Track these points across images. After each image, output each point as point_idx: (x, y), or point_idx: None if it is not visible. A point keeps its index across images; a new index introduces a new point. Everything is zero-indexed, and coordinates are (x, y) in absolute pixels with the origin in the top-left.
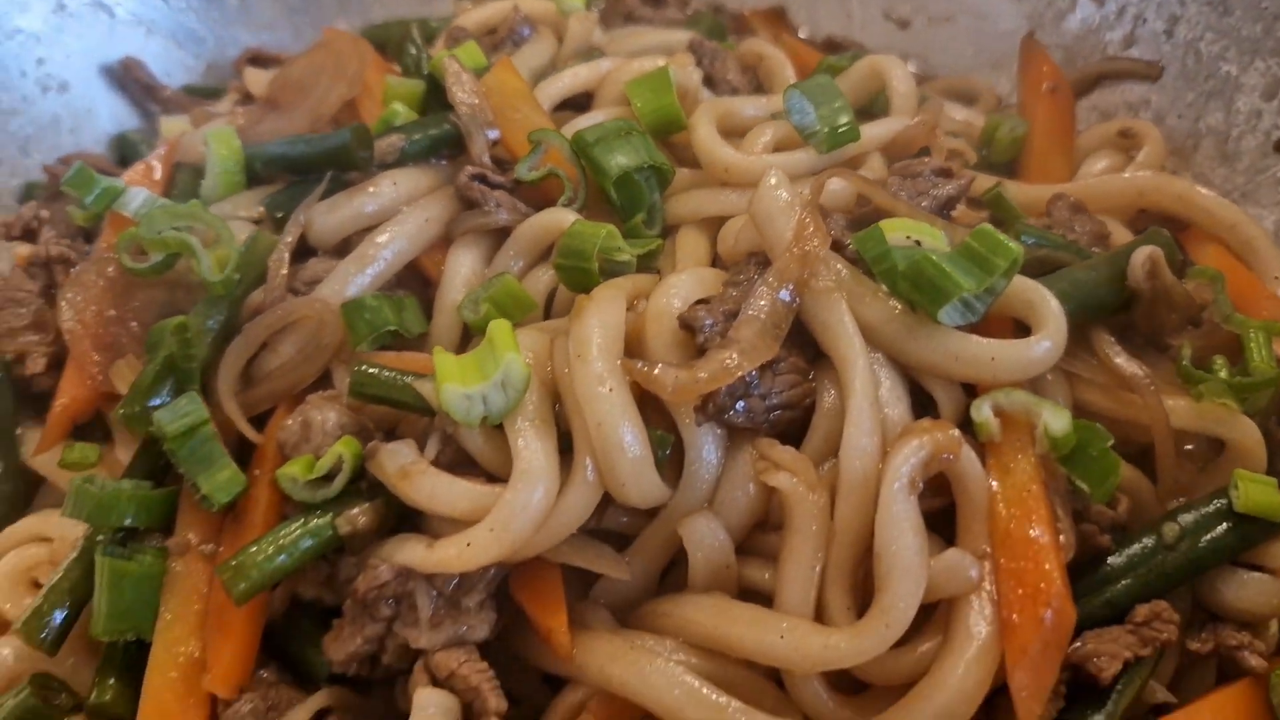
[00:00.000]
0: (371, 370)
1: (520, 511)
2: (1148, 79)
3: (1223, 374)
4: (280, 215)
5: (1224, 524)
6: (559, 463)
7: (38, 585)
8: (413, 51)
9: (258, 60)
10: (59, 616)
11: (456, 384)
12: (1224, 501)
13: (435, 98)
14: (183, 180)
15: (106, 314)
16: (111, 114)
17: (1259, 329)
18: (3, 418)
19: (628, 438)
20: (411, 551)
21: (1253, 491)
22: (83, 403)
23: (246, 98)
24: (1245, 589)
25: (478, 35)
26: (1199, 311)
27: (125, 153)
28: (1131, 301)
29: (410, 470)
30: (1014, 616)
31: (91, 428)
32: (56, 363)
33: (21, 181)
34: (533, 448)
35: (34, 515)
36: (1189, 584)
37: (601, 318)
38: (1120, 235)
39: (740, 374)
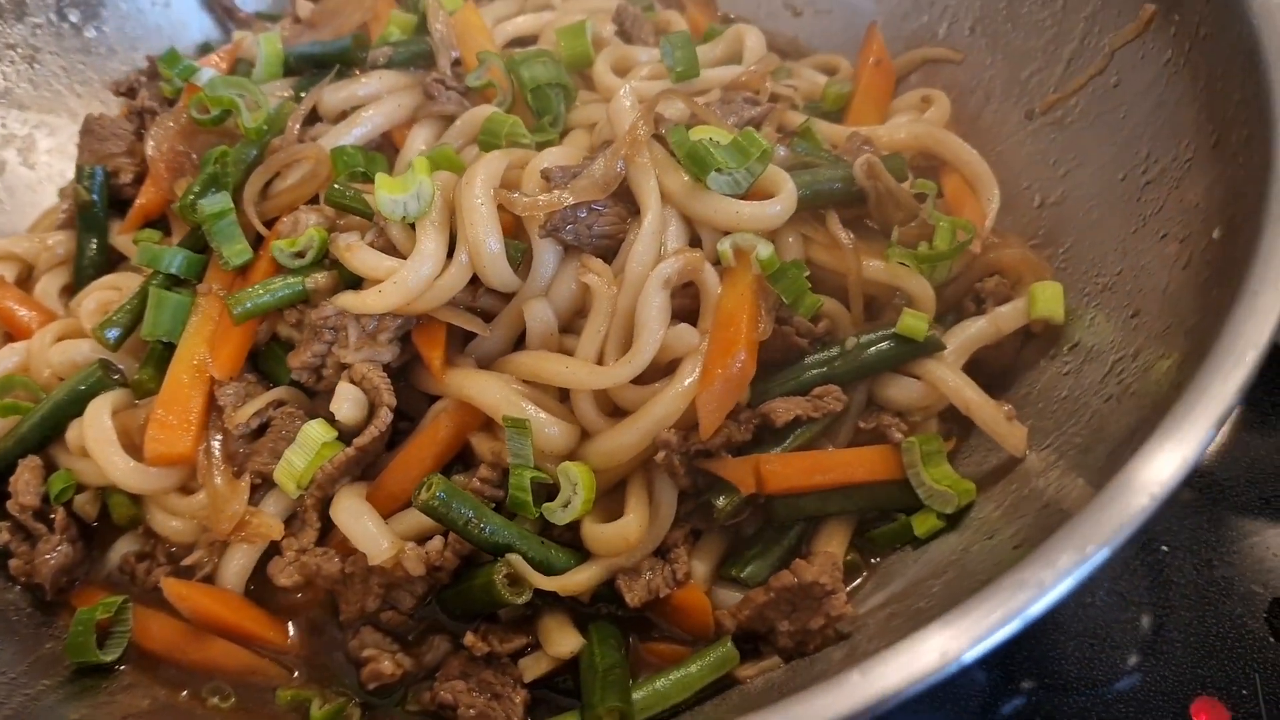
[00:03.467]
0: (340, 188)
1: (414, 275)
2: (953, 62)
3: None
4: (302, 94)
5: (888, 342)
6: (445, 253)
7: None
8: None
9: None
10: (120, 326)
11: (388, 192)
12: (892, 328)
13: (423, 28)
14: (241, 69)
15: (177, 148)
16: (200, 27)
17: (948, 222)
18: (101, 210)
19: (490, 237)
20: (346, 298)
21: (908, 320)
22: (155, 203)
23: (296, 20)
24: (900, 388)
25: None
26: (917, 211)
27: (204, 54)
28: (867, 198)
29: (353, 246)
30: (711, 366)
31: (156, 225)
32: (138, 179)
33: (131, 69)
34: (429, 237)
35: (112, 275)
36: (867, 383)
37: (487, 164)
38: None
39: (564, 205)
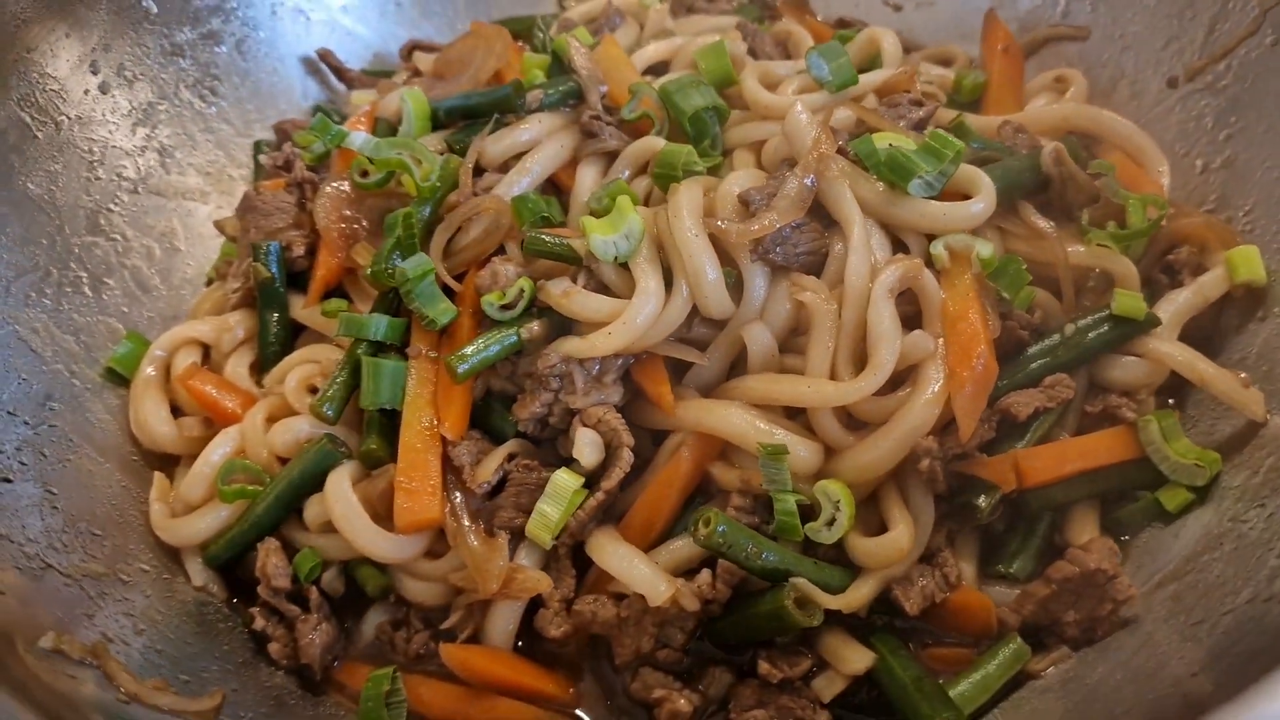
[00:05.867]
0: (540, 235)
1: (641, 312)
2: (1079, 39)
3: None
4: (457, 148)
5: (1106, 325)
6: (665, 288)
7: (314, 389)
8: (540, 35)
9: (418, 48)
10: (337, 400)
11: (600, 234)
12: (1107, 310)
13: (556, 68)
14: (381, 130)
15: (345, 214)
16: (305, 91)
17: (1136, 199)
18: (281, 284)
19: (709, 266)
20: (572, 344)
21: (1123, 300)
22: (334, 271)
23: (415, 73)
24: (1123, 369)
25: (582, 24)
26: (1098, 193)
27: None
28: (1048, 185)
29: (569, 291)
30: (957, 369)
31: (331, 294)
32: (309, 250)
33: (249, 140)
34: (648, 275)
35: (307, 348)
36: (1086, 367)
37: (688, 194)
38: None
39: (775, 227)
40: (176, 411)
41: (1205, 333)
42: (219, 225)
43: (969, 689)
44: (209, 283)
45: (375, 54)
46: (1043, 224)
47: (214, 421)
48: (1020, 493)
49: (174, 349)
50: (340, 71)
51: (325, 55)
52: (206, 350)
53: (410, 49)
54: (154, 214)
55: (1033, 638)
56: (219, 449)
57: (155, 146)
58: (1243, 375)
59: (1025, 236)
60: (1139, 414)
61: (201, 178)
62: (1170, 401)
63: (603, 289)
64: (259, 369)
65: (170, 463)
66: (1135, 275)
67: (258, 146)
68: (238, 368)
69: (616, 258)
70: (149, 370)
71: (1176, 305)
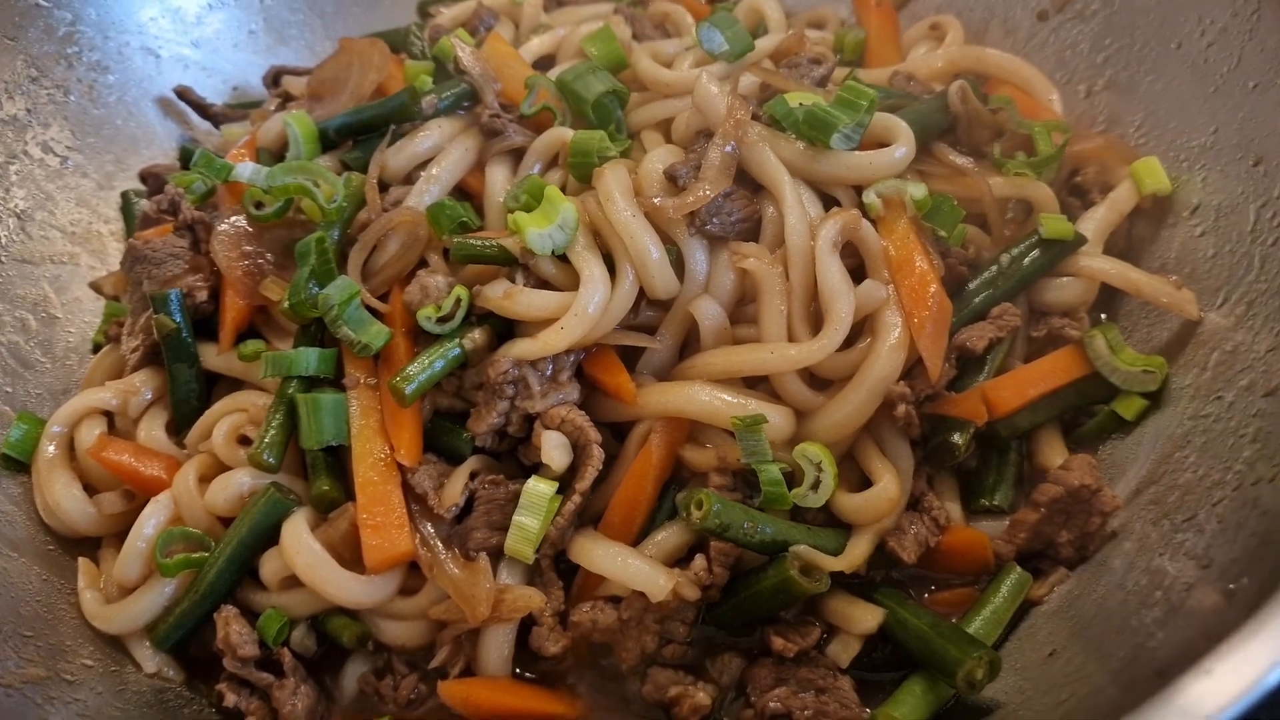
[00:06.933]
0: (467, 240)
1: (591, 302)
2: None
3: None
4: (354, 167)
5: (1038, 250)
6: (609, 276)
7: (245, 440)
8: (417, 43)
9: (282, 73)
10: (278, 445)
11: (535, 228)
12: (1036, 236)
13: (441, 73)
14: (264, 159)
15: (246, 250)
16: (166, 132)
17: (1041, 126)
18: (189, 334)
19: (651, 245)
20: (523, 346)
21: (1051, 223)
22: (244, 312)
23: (287, 99)
24: (1060, 290)
25: (453, 29)
26: (1002, 127)
27: (186, 157)
28: (955, 125)
29: (511, 292)
30: (913, 311)
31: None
32: (213, 294)
33: (113, 192)
34: (591, 264)
35: (229, 397)
36: (1025, 294)
37: (615, 176)
38: None
39: (710, 197)
40: (89, 490)
41: (1121, 246)
42: (95, 286)
43: (982, 625)
44: (96, 348)
45: (234, 87)
46: (962, 161)
47: (137, 493)
48: (988, 425)
49: (75, 422)
50: (202, 108)
51: (184, 92)
52: (111, 419)
53: (276, 75)
54: (22, 283)
55: (1028, 565)
56: (151, 520)
57: (13, 211)
58: (1173, 278)
59: (945, 176)
60: (1081, 331)
61: (67, 238)
62: (1103, 316)
63: (543, 285)
64: (175, 429)
65: (91, 546)
66: (1054, 199)
67: (126, 197)
68: (152, 430)
69: (554, 250)
70: (50, 449)
71: (1097, 222)
